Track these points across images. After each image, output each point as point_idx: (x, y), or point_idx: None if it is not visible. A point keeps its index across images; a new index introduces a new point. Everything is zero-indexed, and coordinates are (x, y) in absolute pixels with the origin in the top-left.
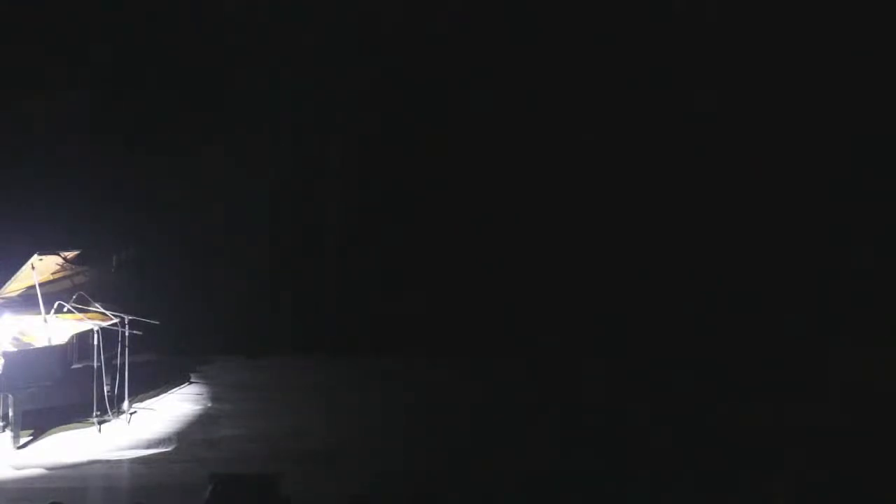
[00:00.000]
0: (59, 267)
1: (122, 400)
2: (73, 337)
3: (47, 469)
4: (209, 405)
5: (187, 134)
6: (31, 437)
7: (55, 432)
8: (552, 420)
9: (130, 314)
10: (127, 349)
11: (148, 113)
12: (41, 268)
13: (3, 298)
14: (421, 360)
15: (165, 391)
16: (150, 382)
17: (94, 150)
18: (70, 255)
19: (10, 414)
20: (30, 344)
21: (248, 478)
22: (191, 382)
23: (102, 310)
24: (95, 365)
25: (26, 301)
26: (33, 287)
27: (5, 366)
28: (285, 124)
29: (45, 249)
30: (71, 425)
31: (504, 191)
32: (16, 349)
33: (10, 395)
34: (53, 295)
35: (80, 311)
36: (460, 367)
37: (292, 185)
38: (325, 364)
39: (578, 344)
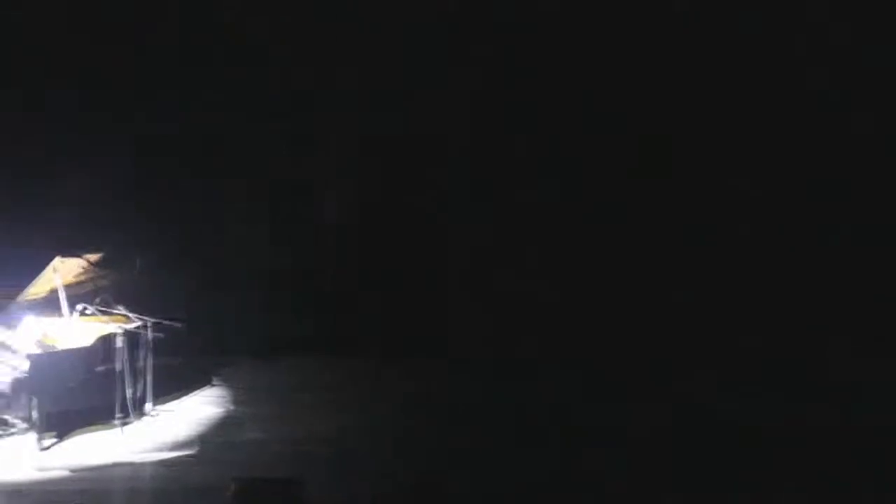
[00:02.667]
0: (82, 269)
1: (145, 402)
2: (96, 339)
3: (71, 471)
4: (231, 408)
5: (207, 136)
6: (54, 440)
7: (78, 434)
8: (562, 422)
9: (153, 317)
10: (150, 351)
11: (168, 114)
12: (64, 270)
13: (26, 301)
14: (445, 362)
15: (188, 394)
16: (173, 385)
17: (116, 153)
18: (93, 257)
19: (35, 416)
20: (53, 346)
21: (270, 481)
22: (213, 385)
23: (125, 312)
24: (118, 367)
25: (50, 303)
26: (57, 290)
27: (30, 368)
28: (303, 124)
29: (68, 252)
30: (94, 427)
31: (511, 189)
32: (40, 351)
33: (34, 398)
34: (76, 297)
35: (104, 313)
36: (484, 368)
37: (311, 186)
38: (347, 367)
39: (583, 344)
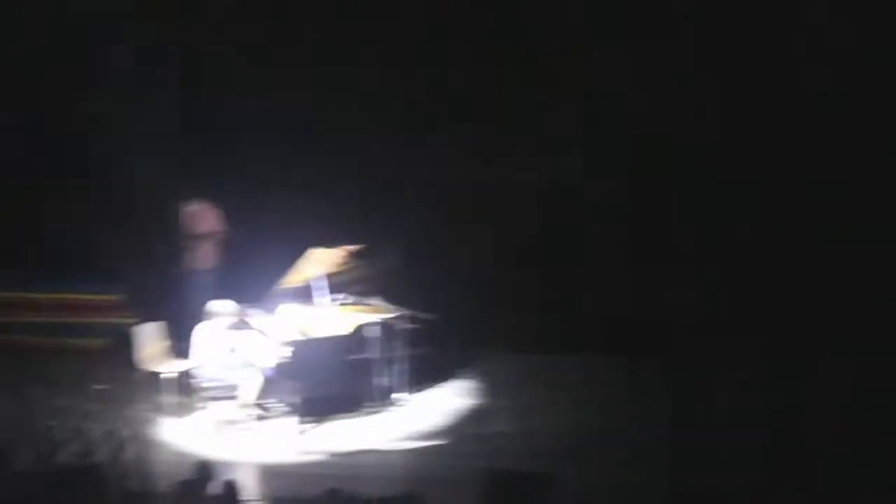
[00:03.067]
0: (343, 260)
1: (397, 392)
2: (353, 329)
3: (325, 455)
4: (483, 400)
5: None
6: (312, 424)
7: (334, 420)
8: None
9: (409, 308)
10: (404, 342)
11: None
12: (327, 260)
13: (289, 288)
14: (699, 362)
15: (439, 385)
16: (426, 375)
17: (384, 146)
18: (355, 249)
19: (295, 401)
20: (314, 334)
21: (520, 475)
22: (466, 377)
23: (382, 303)
24: (374, 357)
25: (311, 292)
26: (319, 278)
27: (292, 354)
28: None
29: (333, 243)
30: (348, 414)
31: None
32: (301, 339)
33: (294, 383)
34: (337, 287)
35: (362, 304)
36: (744, 370)
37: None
38: (607, 365)
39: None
